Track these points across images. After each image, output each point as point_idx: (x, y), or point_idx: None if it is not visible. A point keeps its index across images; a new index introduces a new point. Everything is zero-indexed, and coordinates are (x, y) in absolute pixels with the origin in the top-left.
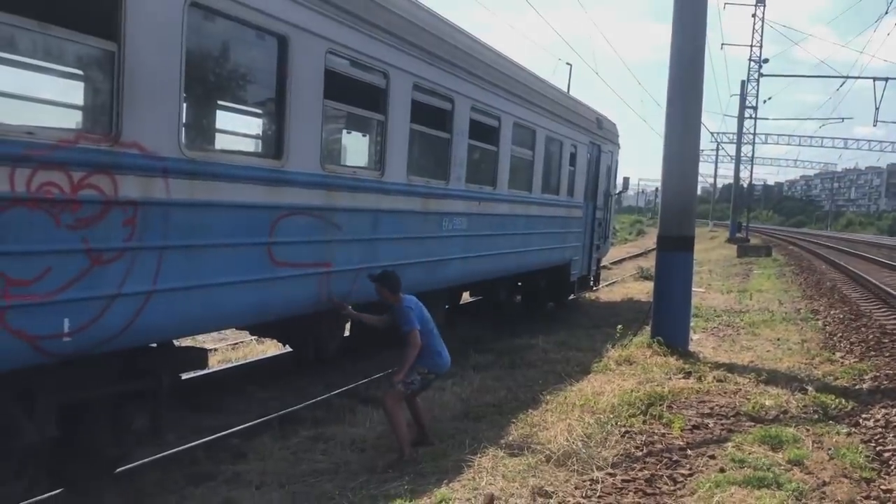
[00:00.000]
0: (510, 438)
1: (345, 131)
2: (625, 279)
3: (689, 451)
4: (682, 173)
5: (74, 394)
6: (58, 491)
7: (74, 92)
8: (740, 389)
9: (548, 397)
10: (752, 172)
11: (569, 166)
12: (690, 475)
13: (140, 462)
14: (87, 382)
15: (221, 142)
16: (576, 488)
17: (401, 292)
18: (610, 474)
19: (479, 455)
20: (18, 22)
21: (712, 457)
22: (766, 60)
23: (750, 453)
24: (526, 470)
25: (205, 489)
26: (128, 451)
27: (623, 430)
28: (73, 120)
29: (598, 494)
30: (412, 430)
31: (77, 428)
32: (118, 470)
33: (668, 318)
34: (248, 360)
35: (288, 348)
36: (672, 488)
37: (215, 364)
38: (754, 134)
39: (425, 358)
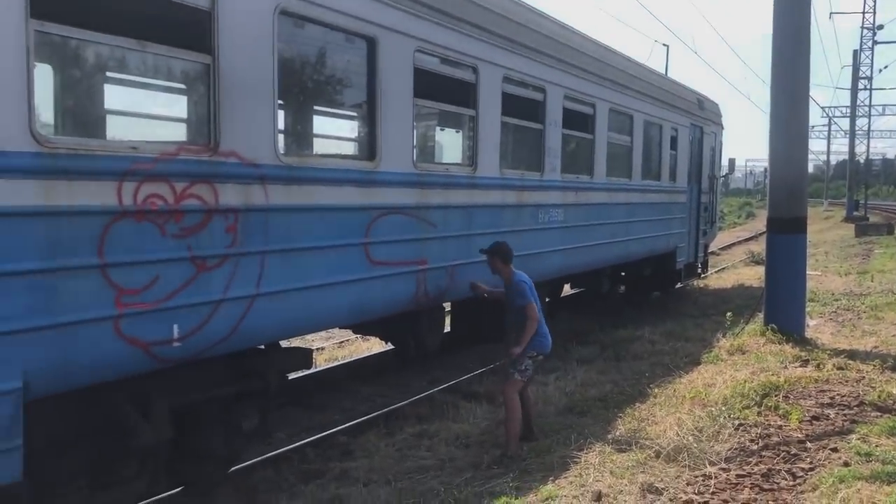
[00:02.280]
0: (617, 433)
1: (436, 128)
2: (734, 265)
3: (808, 444)
4: (790, 151)
5: (186, 397)
6: (177, 490)
7: (174, 105)
8: (864, 377)
9: (656, 390)
10: (868, 146)
11: (670, 150)
12: (811, 469)
13: (252, 461)
14: (198, 385)
15: (316, 146)
16: (687, 484)
17: (511, 264)
18: (723, 469)
19: (585, 451)
20: (120, 42)
21: (835, 450)
22: (880, 27)
23: (877, 446)
24: (634, 466)
25: (314, 486)
26: (240, 450)
27: (736, 422)
28: (173, 133)
29: (711, 490)
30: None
31: (191, 429)
32: (232, 469)
33: (781, 303)
34: (352, 358)
35: (390, 346)
36: (791, 483)
37: (322, 362)
38: (870, 106)
39: (536, 339)
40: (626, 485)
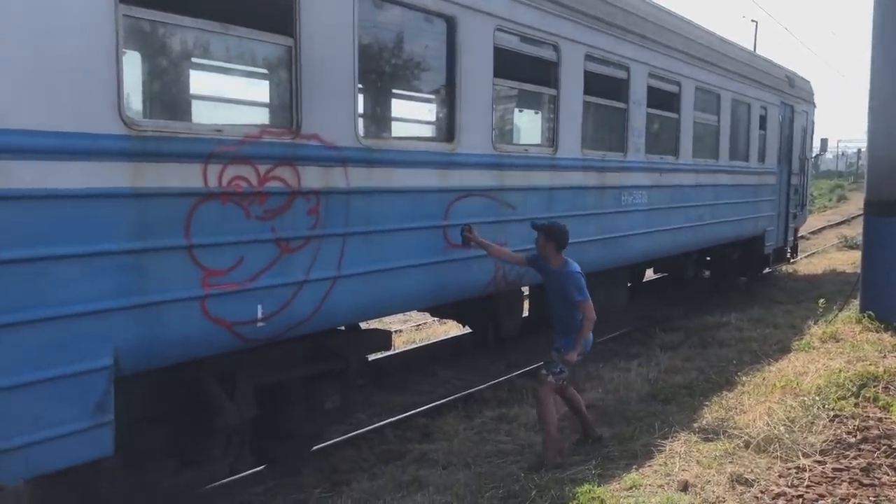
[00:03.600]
0: (703, 422)
1: (515, 109)
2: (826, 249)
3: None
4: (890, 129)
5: (270, 376)
6: (261, 468)
7: (257, 89)
8: None
9: (744, 378)
10: None
11: (758, 130)
12: None
13: (333, 441)
14: (282, 365)
15: (395, 129)
16: (780, 476)
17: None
18: (818, 462)
19: (669, 439)
20: (204, 25)
21: None
22: None
23: None
24: (722, 456)
25: (394, 467)
26: (322, 430)
27: (831, 414)
28: (256, 116)
29: (805, 484)
30: (566, 431)
31: (274, 408)
32: (314, 448)
33: (879, 289)
34: (430, 341)
35: (468, 329)
36: (894, 479)
37: (400, 345)
38: None
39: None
40: (713, 475)
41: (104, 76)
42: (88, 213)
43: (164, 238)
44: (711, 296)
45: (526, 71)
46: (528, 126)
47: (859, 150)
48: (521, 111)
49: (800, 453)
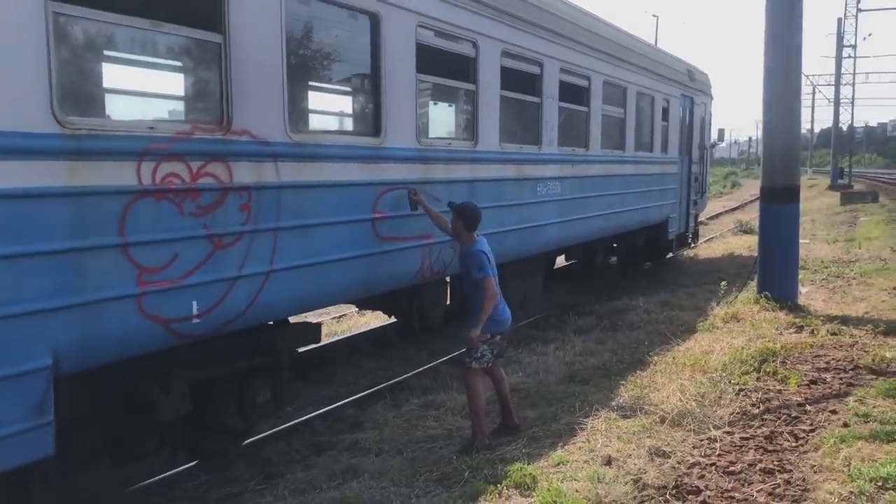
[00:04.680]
0: (621, 400)
1: (437, 103)
2: (723, 234)
3: (808, 407)
4: (784, 119)
5: (204, 372)
6: (194, 462)
7: (187, 85)
8: (857, 342)
9: (655, 358)
10: (853, 114)
11: (661, 121)
12: (812, 431)
13: (264, 434)
14: (216, 360)
15: (324, 124)
16: (693, 448)
17: (476, 232)
18: (727, 433)
19: (591, 418)
20: (132, 22)
21: (833, 412)
22: None
23: (874, 407)
24: (641, 431)
25: (327, 457)
26: (254, 424)
27: (737, 388)
28: (188, 113)
29: (717, 453)
30: (491, 415)
31: (207, 404)
32: (246, 442)
33: (774, 271)
34: (353, 332)
35: (392, 319)
36: (794, 444)
37: (323, 337)
38: (854, 73)
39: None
40: (633, 449)
41: (35, 74)
42: (23, 212)
43: (99, 236)
44: (620, 281)
45: (447, 67)
46: (450, 120)
47: (750, 139)
48: (443, 106)
49: (710, 426)
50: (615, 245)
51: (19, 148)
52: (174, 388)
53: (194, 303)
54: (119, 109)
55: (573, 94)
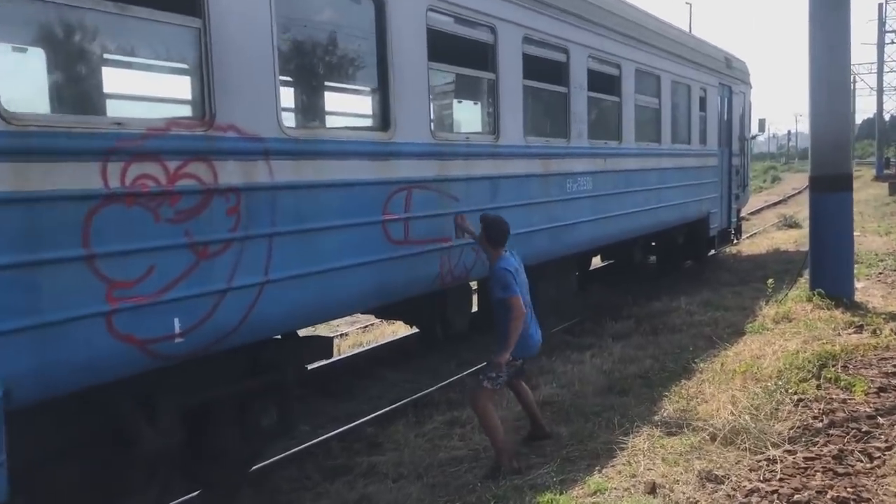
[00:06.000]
0: (665, 414)
1: (454, 95)
2: (766, 229)
3: (880, 420)
4: (832, 103)
5: (196, 395)
6: (194, 494)
7: (162, 76)
8: None
9: (701, 365)
10: None
11: (699, 112)
12: (888, 449)
13: (274, 458)
14: (209, 382)
15: (323, 117)
16: (750, 470)
17: (504, 248)
18: (789, 452)
19: (631, 435)
20: (97, 6)
21: None
22: None
23: None
24: (688, 451)
25: (340, 484)
26: (260, 448)
27: (795, 398)
28: (163, 107)
29: (778, 477)
30: (514, 429)
31: (205, 429)
32: (252, 468)
33: (828, 267)
34: (378, 343)
35: (416, 329)
36: (869, 466)
37: (347, 348)
38: None
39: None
40: (681, 473)
41: None
42: None
43: (57, 248)
44: (659, 281)
45: (464, 55)
46: (469, 113)
47: (789, 133)
48: (460, 97)
49: (768, 443)
50: (653, 243)
51: None
52: (162, 414)
53: (176, 320)
54: (79, 104)
55: (603, 83)
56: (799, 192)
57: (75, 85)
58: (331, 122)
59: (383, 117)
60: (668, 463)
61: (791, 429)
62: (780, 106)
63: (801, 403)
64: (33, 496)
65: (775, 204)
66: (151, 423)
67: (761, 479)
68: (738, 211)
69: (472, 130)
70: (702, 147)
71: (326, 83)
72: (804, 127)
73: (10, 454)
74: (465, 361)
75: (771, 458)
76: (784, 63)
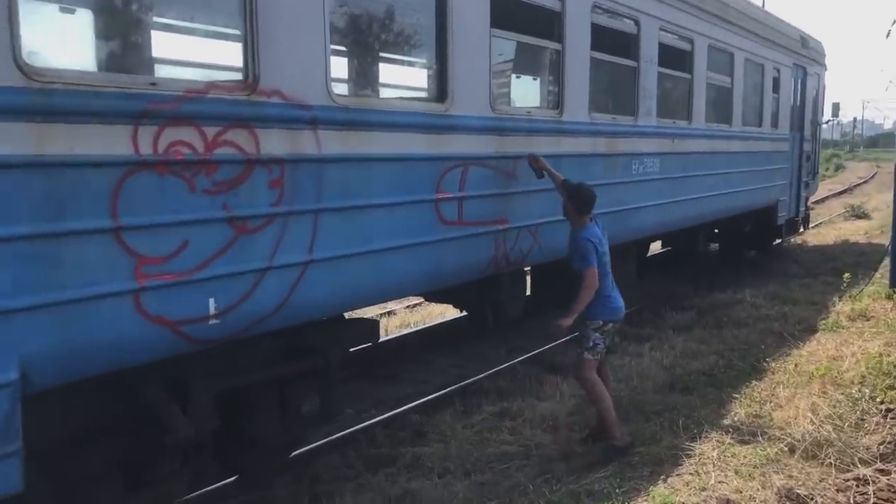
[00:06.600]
0: (735, 418)
1: (516, 66)
2: (832, 219)
3: None
4: None
5: (232, 380)
6: (231, 479)
7: (200, 35)
8: None
9: (772, 364)
10: None
11: (772, 93)
12: None
13: (316, 444)
14: (246, 366)
15: (375, 85)
16: (838, 491)
17: (589, 216)
18: (881, 471)
19: (699, 441)
20: None
21: None
22: None
23: None
24: (764, 463)
25: (383, 476)
26: (298, 436)
27: (882, 408)
28: (201, 67)
29: (871, 501)
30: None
31: (242, 415)
32: (293, 454)
33: None
34: (425, 325)
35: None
36: None
37: (394, 329)
38: None
39: (597, 305)
40: (758, 489)
41: None
42: None
43: (82, 219)
44: (721, 271)
45: (528, 22)
46: (531, 86)
47: (854, 120)
48: (522, 68)
49: (857, 459)
50: (716, 231)
51: None
52: (195, 400)
53: (210, 300)
54: (108, 60)
55: (674, 58)
56: (864, 182)
57: (106, 40)
58: (383, 90)
59: (439, 87)
60: (742, 476)
61: (881, 444)
62: (846, 91)
63: (889, 414)
64: (60, 483)
65: (840, 193)
66: (184, 409)
67: (851, 501)
68: (807, 199)
69: (533, 104)
70: (773, 131)
71: (378, 47)
72: (872, 114)
73: (35, 439)
74: (517, 348)
75: (861, 477)
76: (854, 49)
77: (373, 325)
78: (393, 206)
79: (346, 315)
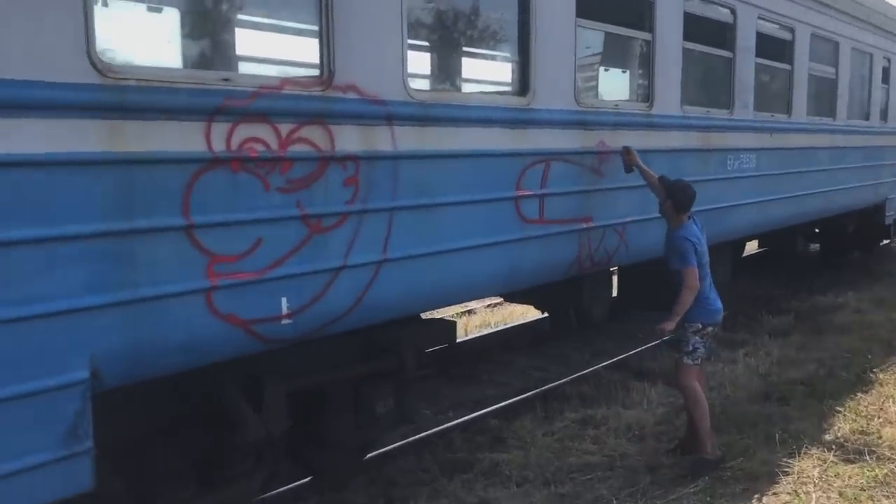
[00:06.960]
0: (838, 433)
1: (604, 57)
2: None
3: None
4: None
5: (305, 381)
6: (305, 480)
7: (274, 28)
8: None
9: (880, 376)
10: None
11: (881, 84)
12: None
13: (392, 446)
14: (319, 367)
15: (454, 79)
16: None
17: (688, 214)
18: None
19: (797, 457)
20: None
21: None
22: None
23: None
24: (873, 486)
25: (459, 483)
26: (373, 438)
27: None
28: (275, 62)
29: None
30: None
31: (316, 415)
32: (368, 456)
33: None
34: (507, 325)
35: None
36: None
37: (473, 329)
38: None
39: (696, 307)
40: None
41: (67, 6)
42: (51, 184)
43: (155, 216)
44: (821, 273)
45: (616, 11)
46: (619, 78)
47: None
48: (609, 59)
49: None
50: (816, 230)
51: (45, 102)
52: (268, 400)
53: (283, 300)
54: (182, 56)
55: (773, 48)
56: None
57: (179, 37)
58: (463, 85)
59: (521, 80)
60: (847, 499)
61: None
62: None
63: None
64: (134, 480)
65: None
66: (257, 409)
67: None
68: None
69: (621, 97)
70: (882, 124)
71: (458, 41)
72: None
73: (110, 436)
74: (602, 351)
75: None
76: None
77: (450, 325)
78: (470, 203)
79: (423, 315)
